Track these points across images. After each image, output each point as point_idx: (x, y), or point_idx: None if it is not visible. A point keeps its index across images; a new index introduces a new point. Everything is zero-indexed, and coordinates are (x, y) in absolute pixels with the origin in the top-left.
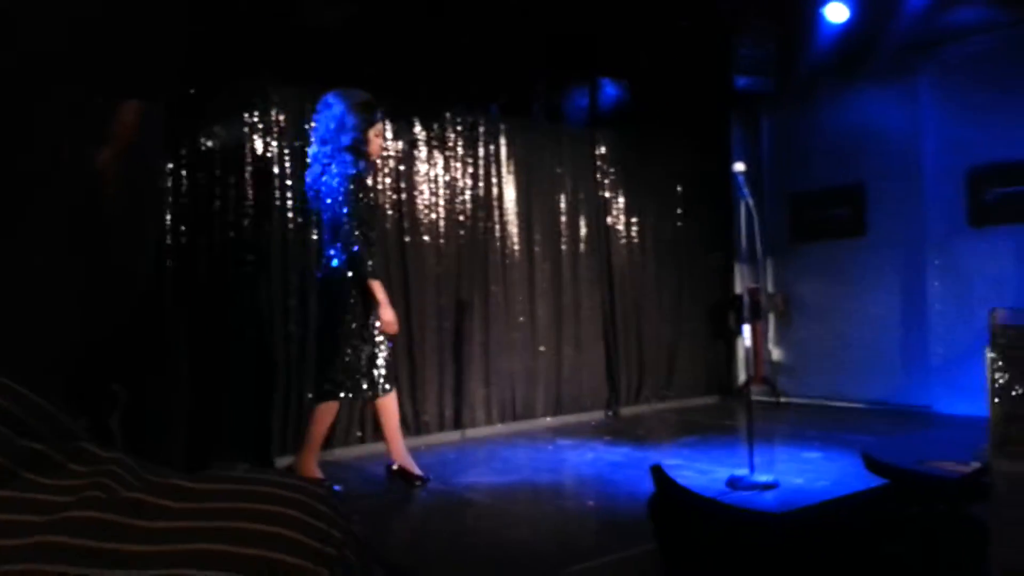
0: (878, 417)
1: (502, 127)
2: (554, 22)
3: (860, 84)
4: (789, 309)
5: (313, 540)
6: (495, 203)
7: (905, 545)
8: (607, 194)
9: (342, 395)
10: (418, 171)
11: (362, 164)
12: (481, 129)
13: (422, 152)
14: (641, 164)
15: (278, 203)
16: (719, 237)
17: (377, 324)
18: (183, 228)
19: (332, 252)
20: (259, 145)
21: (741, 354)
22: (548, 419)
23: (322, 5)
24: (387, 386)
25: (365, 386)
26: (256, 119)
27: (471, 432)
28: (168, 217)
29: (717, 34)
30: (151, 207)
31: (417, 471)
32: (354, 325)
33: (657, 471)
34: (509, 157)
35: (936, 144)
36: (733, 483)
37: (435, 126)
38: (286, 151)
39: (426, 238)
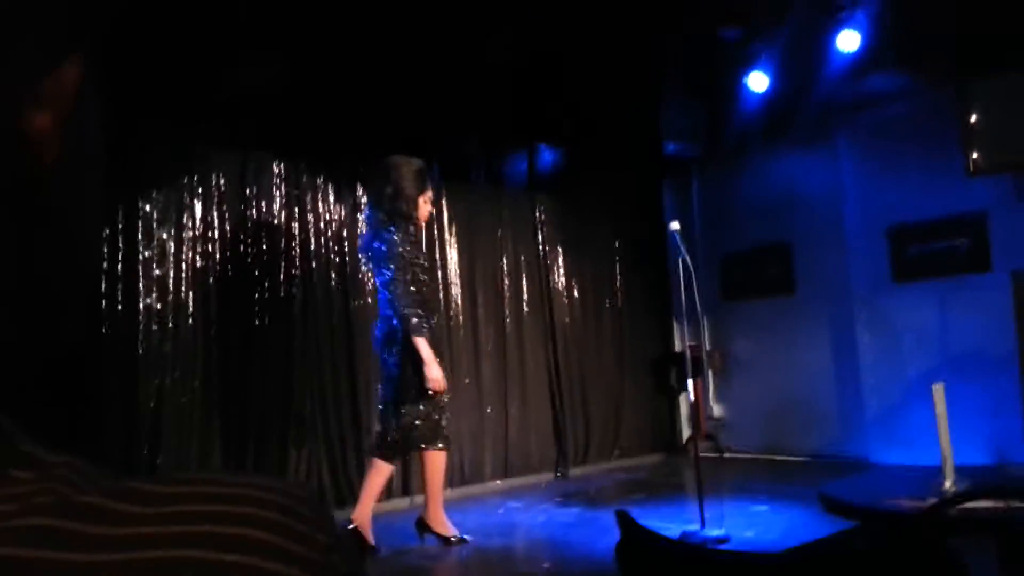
0: (818, 469)
1: (443, 190)
2: (490, 88)
3: (785, 148)
4: (727, 365)
5: (295, 544)
6: (438, 265)
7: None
8: (548, 256)
9: (429, 447)
10: (361, 234)
11: (411, 228)
12: None
13: (364, 216)
14: (580, 226)
15: (219, 267)
16: (657, 295)
17: (427, 383)
18: (119, 294)
19: (383, 313)
20: (199, 209)
21: (684, 411)
22: (497, 482)
23: (251, 67)
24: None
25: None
26: (195, 182)
27: (420, 498)
28: (104, 281)
29: (647, 102)
30: (92, 191)
31: (371, 540)
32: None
33: (623, 516)
34: (451, 220)
35: (857, 204)
36: (685, 538)
37: None
38: (226, 214)
39: (370, 300)
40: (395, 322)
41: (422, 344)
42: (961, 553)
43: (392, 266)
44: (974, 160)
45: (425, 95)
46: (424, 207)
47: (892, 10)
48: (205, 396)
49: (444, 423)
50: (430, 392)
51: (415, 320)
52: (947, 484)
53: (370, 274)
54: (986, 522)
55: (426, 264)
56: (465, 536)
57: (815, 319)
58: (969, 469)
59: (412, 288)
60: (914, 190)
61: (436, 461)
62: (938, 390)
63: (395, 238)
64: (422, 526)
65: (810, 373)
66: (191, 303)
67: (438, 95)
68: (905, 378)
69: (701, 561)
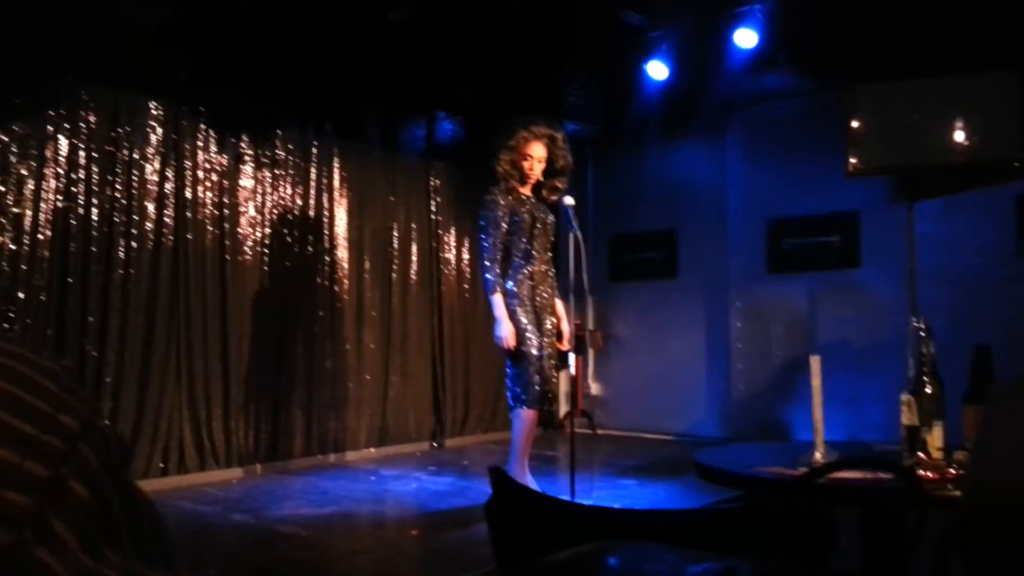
0: (685, 448)
1: (335, 150)
2: (390, 51)
3: (679, 137)
4: (607, 345)
5: (23, 422)
6: (325, 226)
7: (752, 539)
8: (441, 226)
9: (516, 406)
10: (243, 187)
11: (502, 184)
12: (314, 150)
13: (248, 168)
14: (474, 198)
15: (82, 210)
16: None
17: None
18: None
19: None
20: (64, 146)
21: (564, 387)
22: (372, 450)
23: (135, 5)
24: (511, 404)
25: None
26: (62, 116)
27: (290, 463)
28: None
29: (547, 80)
30: None
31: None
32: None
33: (496, 472)
34: (342, 181)
35: (739, 197)
36: None
37: (263, 142)
38: (94, 154)
39: (250, 258)
40: (508, 283)
41: (494, 302)
42: (832, 517)
43: (481, 223)
44: (853, 162)
45: (322, 50)
46: (524, 164)
47: (788, 12)
48: (59, 345)
49: (535, 382)
50: (522, 350)
51: (488, 278)
52: (818, 455)
53: (250, 228)
54: (853, 491)
55: (533, 223)
56: None
57: (694, 305)
58: (835, 443)
59: (497, 247)
60: (795, 186)
61: (519, 420)
62: (815, 361)
63: (487, 198)
64: None
65: (684, 356)
66: (49, 246)
67: (336, 51)
68: (772, 365)
69: (574, 517)
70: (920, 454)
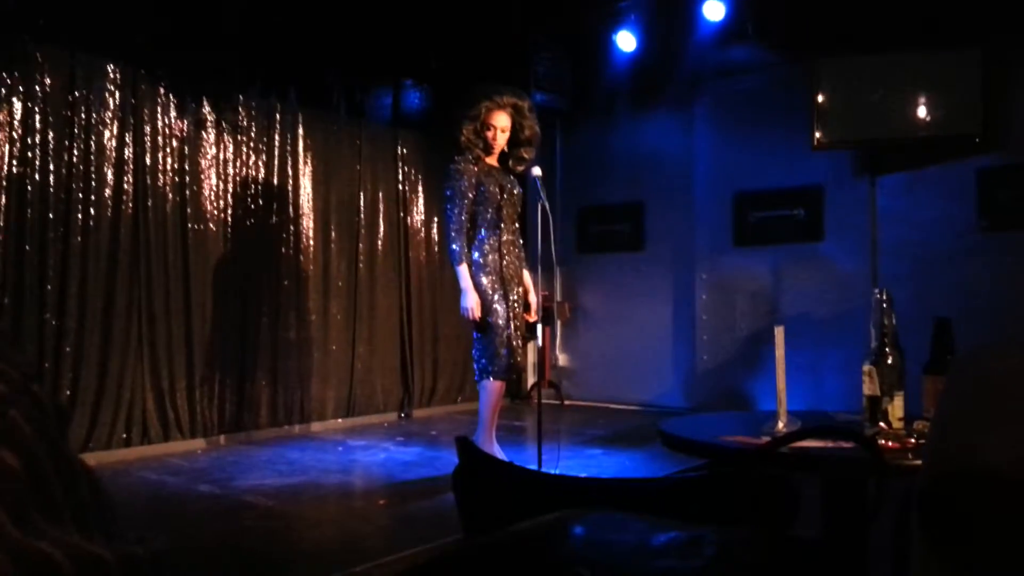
0: (650, 418)
1: (300, 117)
2: (356, 16)
3: (647, 109)
4: (575, 317)
5: None
6: (289, 195)
7: (716, 503)
8: (407, 194)
9: (482, 378)
10: (205, 154)
11: (468, 154)
12: (277, 116)
13: (210, 134)
14: (442, 167)
15: (39, 175)
16: None
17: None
18: None
19: None
20: (18, 109)
21: (531, 358)
22: (339, 420)
23: None
24: (477, 376)
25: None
26: (15, 79)
27: (255, 434)
28: None
29: (517, 49)
30: None
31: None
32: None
33: (463, 441)
34: (306, 149)
35: (707, 170)
36: None
37: (226, 107)
38: (51, 118)
39: (212, 226)
40: (474, 254)
41: (460, 272)
42: (794, 485)
43: (447, 194)
44: (818, 136)
45: (287, 13)
46: (488, 133)
47: None
48: (16, 312)
49: (502, 353)
50: (488, 321)
51: (453, 248)
52: (780, 425)
53: (213, 196)
54: (815, 460)
55: (500, 193)
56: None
57: (660, 277)
58: (798, 413)
59: (463, 217)
60: (760, 160)
61: (485, 391)
62: (779, 332)
63: (453, 168)
64: None
65: (650, 328)
66: (4, 212)
67: (301, 14)
68: (736, 337)
69: (539, 486)
70: (881, 424)
